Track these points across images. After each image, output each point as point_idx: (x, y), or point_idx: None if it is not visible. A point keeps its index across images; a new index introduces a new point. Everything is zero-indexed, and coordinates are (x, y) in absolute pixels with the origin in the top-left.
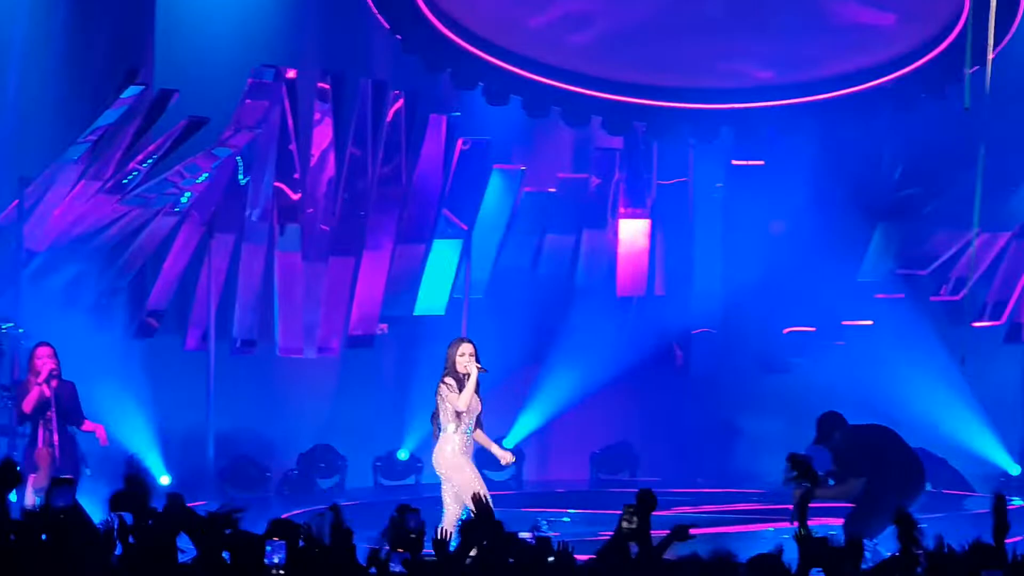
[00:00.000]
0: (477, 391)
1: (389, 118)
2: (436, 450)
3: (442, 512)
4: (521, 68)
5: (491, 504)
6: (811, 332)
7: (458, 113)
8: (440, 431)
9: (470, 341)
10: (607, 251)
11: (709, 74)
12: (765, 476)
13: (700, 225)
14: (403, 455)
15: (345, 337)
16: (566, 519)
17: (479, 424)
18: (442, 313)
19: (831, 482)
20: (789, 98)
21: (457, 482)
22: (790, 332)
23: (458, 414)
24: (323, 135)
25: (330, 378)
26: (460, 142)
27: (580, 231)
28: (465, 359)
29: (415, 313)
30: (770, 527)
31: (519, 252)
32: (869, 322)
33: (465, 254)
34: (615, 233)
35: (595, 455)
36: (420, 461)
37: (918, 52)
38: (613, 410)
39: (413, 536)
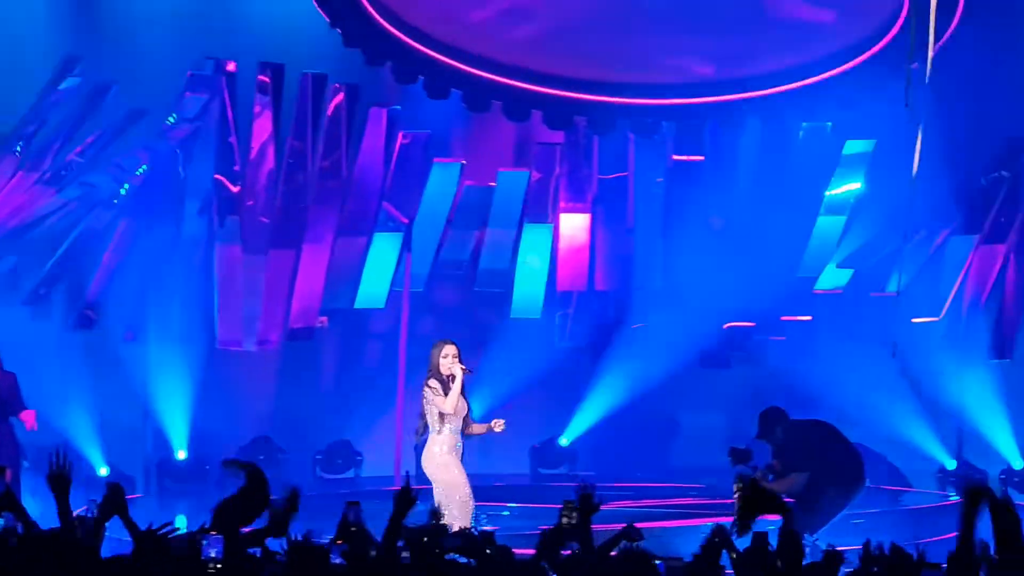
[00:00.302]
0: (463, 392)
1: (329, 111)
2: (424, 452)
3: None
4: (462, 62)
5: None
6: (751, 327)
7: (398, 107)
8: (428, 433)
9: (453, 342)
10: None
11: (650, 69)
12: (706, 471)
13: (641, 220)
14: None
15: (285, 330)
16: (505, 513)
17: (469, 419)
18: (382, 306)
19: (771, 477)
20: (730, 93)
21: (442, 481)
22: (730, 327)
23: (442, 416)
24: (263, 128)
25: (270, 371)
26: (400, 135)
27: (521, 225)
28: (449, 360)
29: (355, 306)
30: (710, 522)
31: (459, 246)
32: (808, 317)
33: (405, 248)
34: (556, 227)
35: (535, 449)
36: (360, 454)
37: (858, 48)
38: (553, 403)
39: (354, 528)
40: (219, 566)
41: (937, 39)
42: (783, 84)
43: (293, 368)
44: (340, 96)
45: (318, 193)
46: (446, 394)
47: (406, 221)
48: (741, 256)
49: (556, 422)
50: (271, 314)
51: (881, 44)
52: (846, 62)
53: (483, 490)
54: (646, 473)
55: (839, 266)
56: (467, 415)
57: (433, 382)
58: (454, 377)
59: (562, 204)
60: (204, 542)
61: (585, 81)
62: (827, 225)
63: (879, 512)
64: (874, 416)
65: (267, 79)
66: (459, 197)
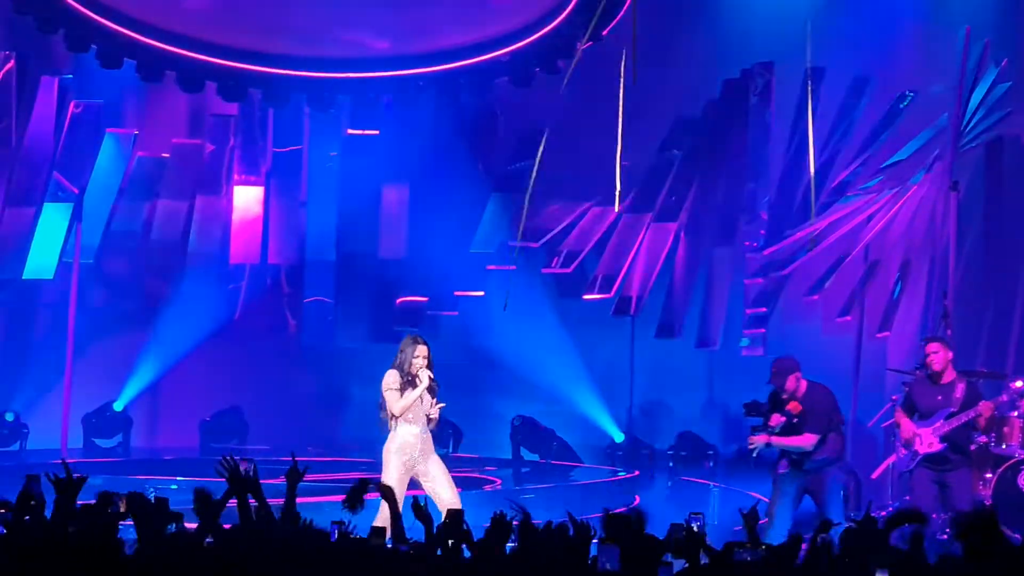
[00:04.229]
0: (430, 388)
1: None
2: (387, 441)
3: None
4: (135, 31)
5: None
6: (423, 302)
7: (71, 75)
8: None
9: (426, 343)
10: (221, 218)
11: (325, 42)
12: (375, 444)
13: (315, 193)
14: (9, 417)
15: None
16: (174, 487)
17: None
18: (51, 277)
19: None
20: (405, 68)
21: (384, 474)
22: (403, 302)
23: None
24: None
25: None
26: (72, 105)
27: (194, 197)
28: (420, 362)
29: (24, 277)
30: (378, 496)
31: (131, 217)
32: (481, 293)
33: (76, 218)
34: (229, 200)
35: (205, 422)
36: (27, 426)
37: (532, 27)
38: (224, 377)
39: (34, 503)
40: None
41: (608, 21)
42: (458, 60)
43: None
44: (10, 63)
45: None
46: (402, 392)
47: (76, 191)
48: (416, 231)
49: (228, 396)
50: None
51: (555, 23)
52: (519, 40)
53: (151, 463)
54: (316, 447)
55: (513, 242)
56: (431, 410)
57: (393, 376)
58: (418, 380)
59: (236, 176)
60: None
61: (260, 53)
62: (501, 201)
63: (551, 487)
64: (546, 392)
65: None
66: (132, 168)
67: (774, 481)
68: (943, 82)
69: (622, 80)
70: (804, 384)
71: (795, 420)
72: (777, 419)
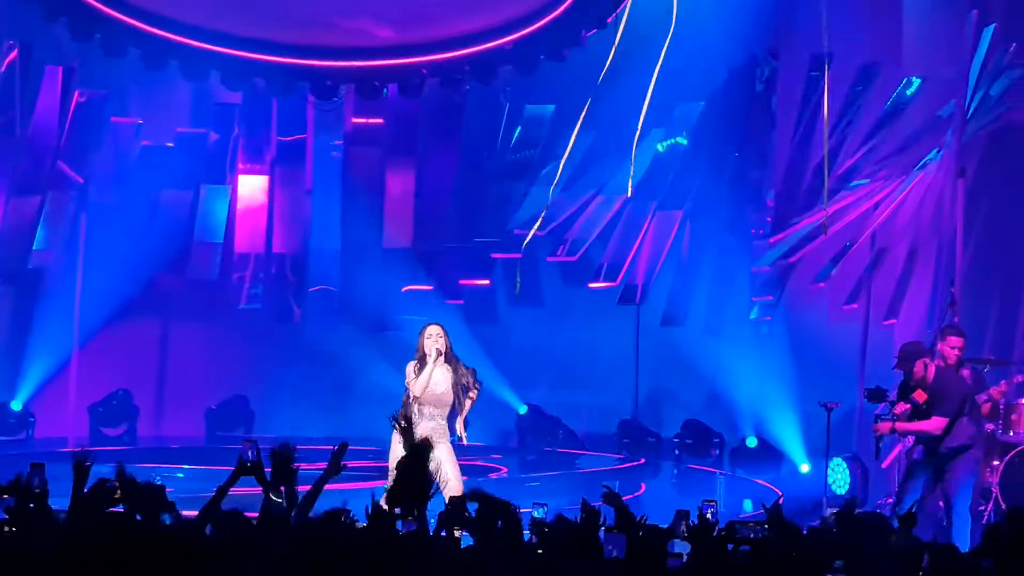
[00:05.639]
0: (462, 383)
1: (3, 68)
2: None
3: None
4: (138, 20)
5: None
6: (428, 291)
7: (74, 64)
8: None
9: (438, 324)
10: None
11: (330, 31)
12: (379, 433)
13: (319, 182)
14: (16, 406)
15: None
16: (180, 475)
17: (459, 404)
18: (56, 267)
19: (885, 410)
20: (409, 57)
21: (391, 455)
22: (408, 290)
23: (416, 401)
24: None
25: None
26: (76, 94)
27: (198, 186)
28: (432, 340)
29: (30, 266)
30: (382, 485)
31: (136, 206)
32: (486, 281)
33: (81, 207)
34: (234, 189)
35: (211, 411)
36: (33, 416)
37: (537, 14)
38: (230, 366)
39: (38, 491)
40: None
41: (613, 8)
42: (462, 48)
43: None
44: (14, 53)
45: None
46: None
47: (81, 181)
48: (420, 220)
49: (233, 384)
50: None
51: (559, 11)
52: (525, 28)
53: (158, 452)
54: (320, 435)
55: (517, 231)
56: (455, 402)
57: (410, 366)
58: (429, 358)
59: (240, 165)
60: None
61: (264, 42)
62: (506, 189)
63: (557, 475)
64: (550, 380)
65: None
66: (136, 157)
67: (908, 466)
68: (951, 68)
69: (659, 62)
70: (933, 368)
71: (922, 407)
72: (902, 407)
